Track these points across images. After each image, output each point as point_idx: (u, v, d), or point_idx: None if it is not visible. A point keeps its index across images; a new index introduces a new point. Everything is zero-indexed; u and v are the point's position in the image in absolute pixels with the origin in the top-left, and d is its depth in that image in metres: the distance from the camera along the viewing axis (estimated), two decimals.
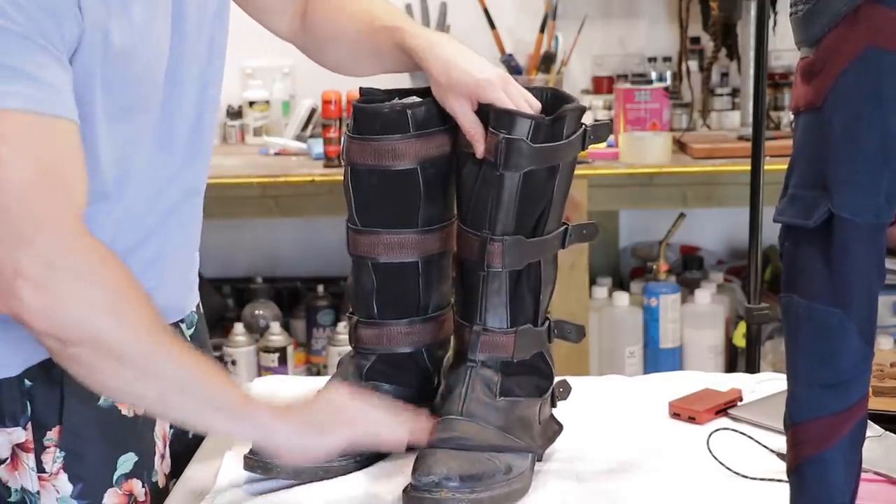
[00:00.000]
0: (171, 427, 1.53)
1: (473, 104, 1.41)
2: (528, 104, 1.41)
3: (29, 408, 1.38)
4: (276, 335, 3.26)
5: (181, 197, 1.47)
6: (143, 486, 1.46)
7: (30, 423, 1.38)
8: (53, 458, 1.39)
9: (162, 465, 1.50)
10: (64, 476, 1.39)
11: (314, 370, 3.36)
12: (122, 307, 1.23)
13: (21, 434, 1.38)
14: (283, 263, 3.64)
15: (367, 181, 1.44)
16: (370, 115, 1.43)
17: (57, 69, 1.23)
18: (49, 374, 1.37)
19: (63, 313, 1.20)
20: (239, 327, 3.25)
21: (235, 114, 3.45)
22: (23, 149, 1.20)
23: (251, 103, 3.44)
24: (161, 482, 1.49)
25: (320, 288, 3.41)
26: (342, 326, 3.24)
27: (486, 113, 1.39)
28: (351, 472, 1.44)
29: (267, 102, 3.46)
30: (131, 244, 1.40)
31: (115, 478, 1.43)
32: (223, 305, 3.44)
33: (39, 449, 1.39)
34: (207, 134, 1.49)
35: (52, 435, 1.39)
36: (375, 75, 1.59)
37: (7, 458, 1.39)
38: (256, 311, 3.40)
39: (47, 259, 1.19)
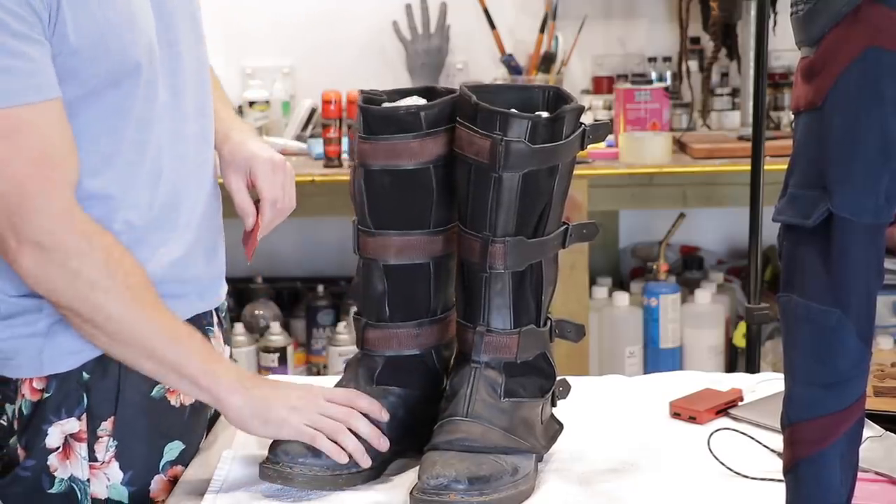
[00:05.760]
0: None
1: (248, 181, 1.56)
2: (282, 201, 1.57)
3: (85, 399, 1.44)
4: (276, 335, 3.26)
5: (195, 146, 1.51)
6: None
7: (85, 414, 1.44)
8: (106, 448, 1.45)
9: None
10: (115, 464, 1.46)
11: (314, 370, 3.36)
12: (102, 282, 1.37)
13: (75, 425, 1.44)
14: (283, 263, 3.64)
15: (381, 182, 1.44)
16: (383, 117, 1.43)
17: (34, 48, 1.30)
18: (106, 367, 1.44)
19: (51, 286, 1.36)
20: (239, 327, 3.25)
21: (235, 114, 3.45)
22: (14, 144, 1.32)
23: (251, 103, 3.44)
24: None
25: (320, 288, 3.41)
26: (342, 326, 3.24)
27: (478, 115, 1.38)
28: (371, 479, 1.44)
29: (267, 102, 3.46)
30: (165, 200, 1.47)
31: (161, 465, 1.50)
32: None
33: (92, 439, 1.45)
34: (208, 91, 1.55)
35: (107, 425, 1.45)
36: None
37: (59, 447, 1.44)
38: (256, 311, 3.40)
39: (41, 240, 1.34)
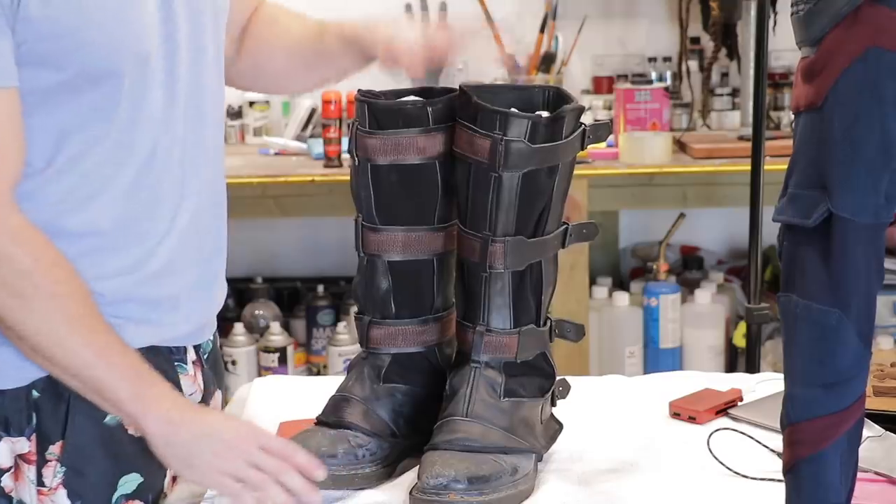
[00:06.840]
0: None
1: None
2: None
3: (34, 419, 1.37)
4: (276, 335, 3.26)
5: (186, 155, 1.42)
6: None
7: (34, 434, 1.37)
8: (54, 473, 1.37)
9: (172, 487, 1.46)
10: (63, 492, 1.37)
11: (314, 370, 3.36)
12: (26, 291, 1.28)
13: (25, 445, 1.37)
14: (283, 263, 3.64)
15: (387, 178, 1.43)
16: (389, 110, 1.42)
17: None
18: (56, 387, 1.36)
19: None
20: (239, 327, 3.25)
21: (235, 114, 3.45)
22: None
23: (251, 103, 3.44)
24: None
25: (320, 288, 3.41)
26: (342, 326, 3.24)
27: (478, 114, 1.38)
28: (386, 479, 1.43)
29: (267, 102, 3.46)
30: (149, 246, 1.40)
31: (114, 498, 1.40)
32: (223, 305, 3.43)
33: (41, 462, 1.37)
34: (214, 99, 1.47)
35: (55, 449, 1.37)
36: (305, 90, 1.59)
37: (11, 468, 1.38)
38: (256, 311, 3.40)
39: None
